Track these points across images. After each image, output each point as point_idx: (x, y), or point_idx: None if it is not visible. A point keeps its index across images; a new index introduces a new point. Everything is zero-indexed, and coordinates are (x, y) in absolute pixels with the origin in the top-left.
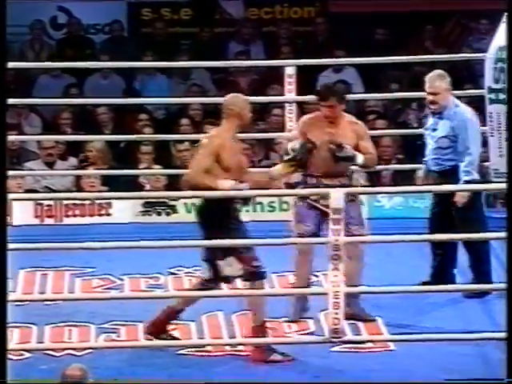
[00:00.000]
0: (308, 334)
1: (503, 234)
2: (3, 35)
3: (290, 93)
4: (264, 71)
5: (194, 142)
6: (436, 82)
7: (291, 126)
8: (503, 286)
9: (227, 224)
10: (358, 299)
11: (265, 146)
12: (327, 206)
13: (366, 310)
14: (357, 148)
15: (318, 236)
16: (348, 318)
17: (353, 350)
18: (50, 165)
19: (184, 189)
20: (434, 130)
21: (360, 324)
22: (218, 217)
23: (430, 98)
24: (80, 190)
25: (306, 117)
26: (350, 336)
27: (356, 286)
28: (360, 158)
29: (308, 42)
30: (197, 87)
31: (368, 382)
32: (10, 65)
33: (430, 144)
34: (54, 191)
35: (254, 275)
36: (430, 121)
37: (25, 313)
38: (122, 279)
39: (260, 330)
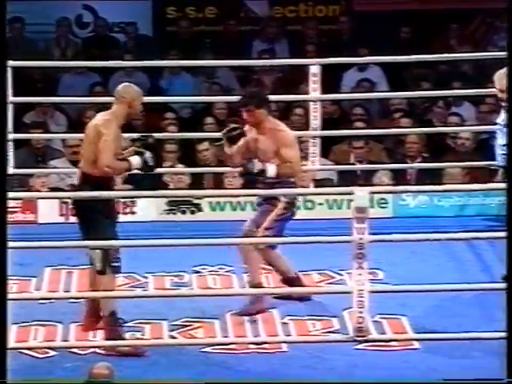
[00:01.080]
0: (332, 332)
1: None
2: (3, 35)
3: (314, 91)
4: (288, 70)
5: (217, 141)
6: (505, 79)
7: (316, 125)
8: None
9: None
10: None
11: None
12: None
13: (391, 308)
14: (277, 155)
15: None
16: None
17: (377, 348)
18: (75, 163)
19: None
20: (506, 125)
21: (384, 322)
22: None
23: (500, 95)
24: None
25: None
26: (374, 335)
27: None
28: (270, 171)
29: (332, 41)
30: (219, 86)
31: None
32: (36, 64)
33: (501, 139)
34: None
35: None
36: (502, 116)
37: (50, 311)
38: (146, 277)
39: None
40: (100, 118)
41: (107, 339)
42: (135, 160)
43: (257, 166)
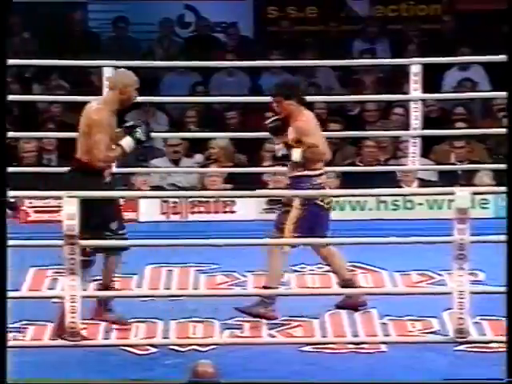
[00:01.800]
0: (432, 333)
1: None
2: (3, 35)
3: (415, 91)
4: (389, 69)
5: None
6: None
7: (416, 124)
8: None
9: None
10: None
11: (391, 145)
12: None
13: (491, 309)
14: (300, 143)
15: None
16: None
17: (477, 349)
18: (176, 162)
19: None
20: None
21: (485, 324)
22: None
23: None
24: (204, 187)
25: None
26: (474, 336)
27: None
28: (294, 155)
29: (434, 40)
30: (317, 86)
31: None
32: (138, 63)
33: None
34: (180, 188)
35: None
36: None
37: (151, 308)
38: (245, 276)
39: None
40: (92, 105)
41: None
42: (126, 142)
43: (281, 150)
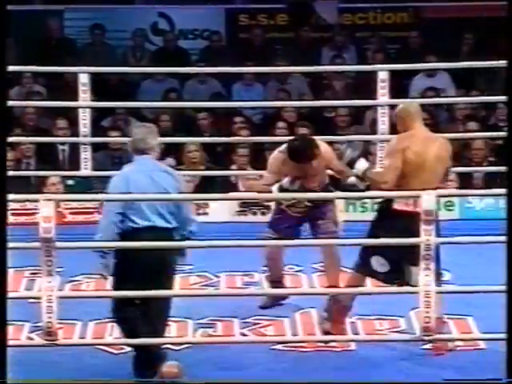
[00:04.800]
0: (399, 332)
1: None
2: (3, 35)
3: (382, 96)
4: (357, 76)
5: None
6: None
7: (383, 129)
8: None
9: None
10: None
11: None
12: (298, 213)
13: (457, 309)
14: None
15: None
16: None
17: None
18: None
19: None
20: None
21: (451, 323)
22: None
23: None
24: None
25: (273, 156)
26: (440, 335)
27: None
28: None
29: (401, 47)
30: (288, 92)
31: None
32: (112, 69)
33: None
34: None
35: None
36: None
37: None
38: (218, 276)
39: None
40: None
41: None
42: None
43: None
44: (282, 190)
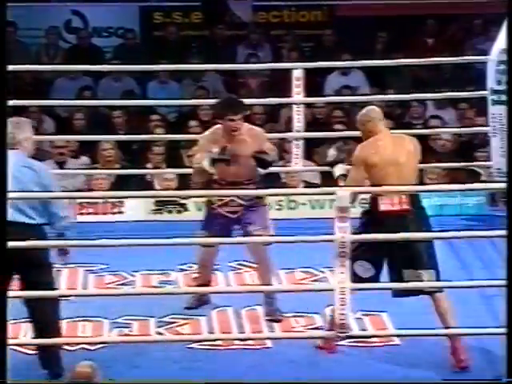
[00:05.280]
0: (315, 329)
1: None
2: (3, 35)
3: (297, 95)
4: (272, 74)
5: None
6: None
7: (299, 127)
8: (503, 282)
9: None
10: (273, 299)
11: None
12: (232, 213)
13: (372, 305)
14: (261, 150)
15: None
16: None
17: (358, 344)
18: (61, 164)
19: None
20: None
21: (366, 319)
22: None
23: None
24: (91, 189)
25: (207, 133)
26: (355, 331)
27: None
28: (271, 157)
29: (316, 45)
30: (205, 90)
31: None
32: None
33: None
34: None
35: None
36: None
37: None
38: (133, 275)
39: None
40: None
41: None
42: None
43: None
44: (213, 161)
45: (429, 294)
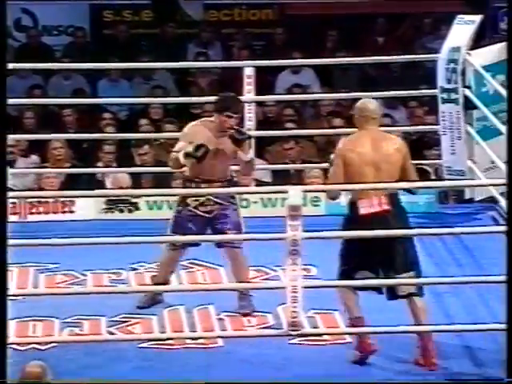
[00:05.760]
0: (267, 327)
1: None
2: (3, 35)
3: (248, 93)
4: (223, 72)
5: (155, 141)
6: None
7: (250, 125)
8: (503, 278)
9: None
10: (248, 295)
11: None
12: (208, 212)
13: (324, 303)
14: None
15: (199, 244)
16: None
17: (310, 342)
18: (11, 163)
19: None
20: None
21: (318, 317)
22: None
23: None
24: (41, 188)
25: (192, 124)
26: (307, 329)
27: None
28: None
29: (267, 44)
30: (157, 88)
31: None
32: None
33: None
34: (16, 190)
35: None
36: None
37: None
38: (85, 275)
39: None
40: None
41: None
42: None
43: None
44: (186, 155)
45: (407, 296)
